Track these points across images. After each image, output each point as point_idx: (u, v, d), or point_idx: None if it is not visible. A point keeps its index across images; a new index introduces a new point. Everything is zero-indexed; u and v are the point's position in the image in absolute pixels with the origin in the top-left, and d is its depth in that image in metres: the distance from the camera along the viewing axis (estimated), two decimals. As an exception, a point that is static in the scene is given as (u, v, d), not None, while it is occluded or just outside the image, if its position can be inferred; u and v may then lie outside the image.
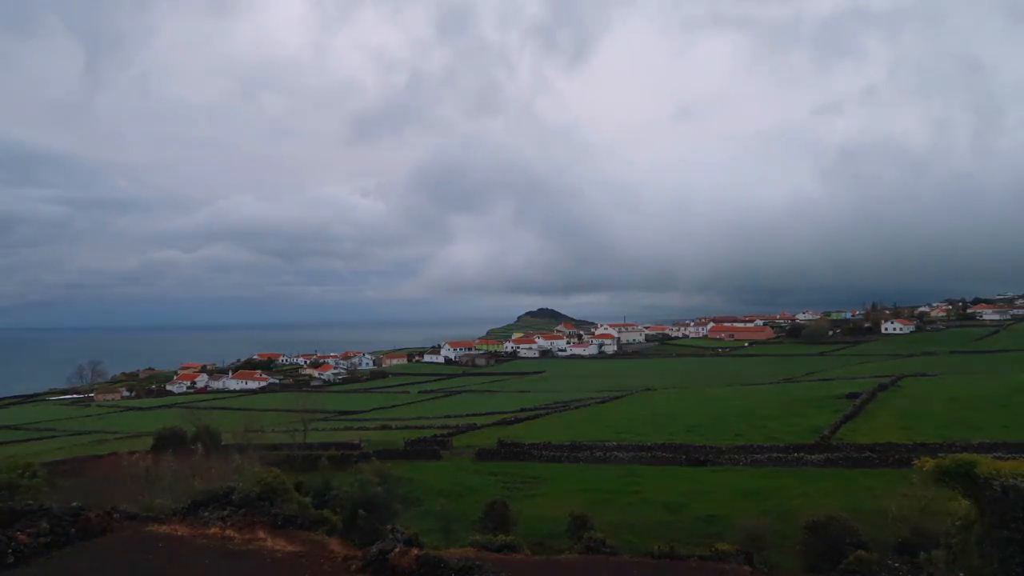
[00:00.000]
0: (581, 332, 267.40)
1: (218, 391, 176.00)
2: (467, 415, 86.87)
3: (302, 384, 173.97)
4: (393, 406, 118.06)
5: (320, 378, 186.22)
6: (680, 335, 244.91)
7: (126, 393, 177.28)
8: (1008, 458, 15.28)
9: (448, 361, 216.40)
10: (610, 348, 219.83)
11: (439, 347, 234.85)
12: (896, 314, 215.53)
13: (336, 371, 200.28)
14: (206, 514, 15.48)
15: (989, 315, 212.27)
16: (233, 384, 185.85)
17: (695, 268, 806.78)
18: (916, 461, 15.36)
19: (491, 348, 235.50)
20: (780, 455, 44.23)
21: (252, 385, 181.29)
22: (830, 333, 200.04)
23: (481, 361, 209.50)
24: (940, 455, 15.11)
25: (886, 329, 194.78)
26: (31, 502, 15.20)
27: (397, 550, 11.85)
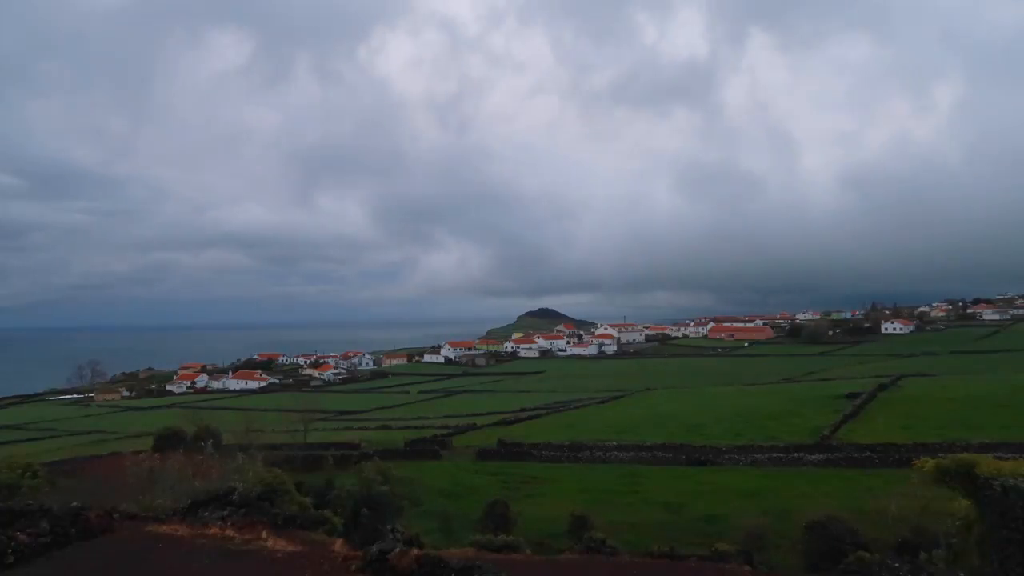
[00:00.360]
0: (581, 332, 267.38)
1: (218, 391, 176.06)
2: (467, 415, 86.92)
3: (302, 384, 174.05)
4: (393, 406, 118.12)
5: (320, 378, 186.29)
6: (680, 335, 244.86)
7: (126, 393, 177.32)
8: (1008, 458, 15.27)
9: (448, 361, 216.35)
10: (610, 348, 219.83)
11: (439, 347, 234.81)
12: (896, 314, 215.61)
13: (336, 371, 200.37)
14: (206, 514, 15.47)
15: (989, 315, 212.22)
16: (233, 384, 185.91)
17: (614, 269, 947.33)
18: (916, 461, 15.35)
19: (491, 348, 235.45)
20: (780, 455, 44.26)
21: (252, 385, 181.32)
22: (830, 333, 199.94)
23: (481, 361, 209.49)
24: (940, 455, 15.09)
25: (886, 329, 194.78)
26: (31, 502, 15.20)
27: (397, 550, 11.85)
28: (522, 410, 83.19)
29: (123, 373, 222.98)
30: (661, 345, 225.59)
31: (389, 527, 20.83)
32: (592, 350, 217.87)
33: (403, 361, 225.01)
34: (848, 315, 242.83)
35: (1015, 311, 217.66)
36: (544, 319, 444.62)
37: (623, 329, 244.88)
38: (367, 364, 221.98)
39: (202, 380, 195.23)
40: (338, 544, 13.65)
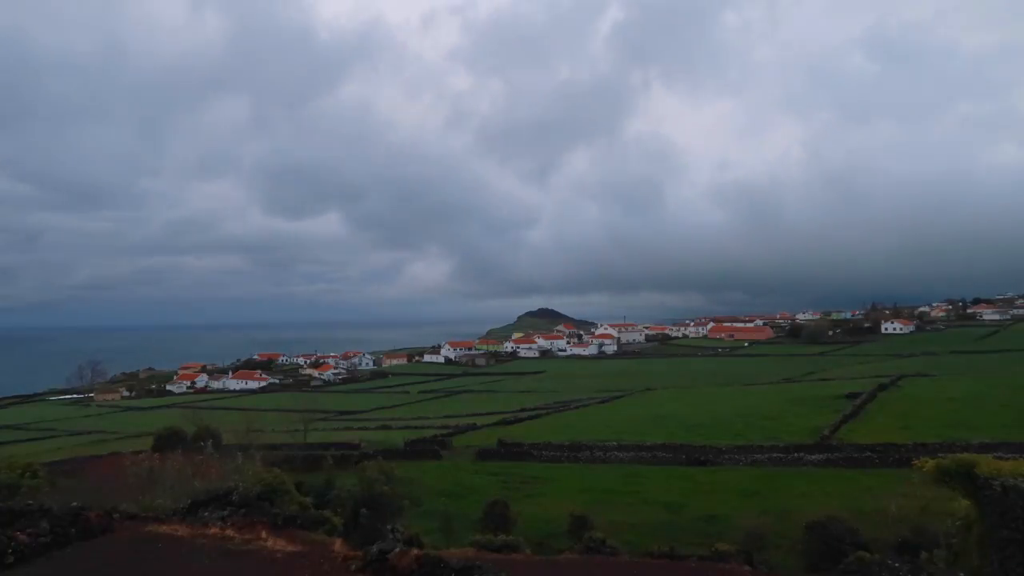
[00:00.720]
0: (581, 332, 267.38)
1: (218, 391, 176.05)
2: (467, 415, 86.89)
3: (302, 384, 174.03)
4: (393, 406, 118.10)
5: (320, 378, 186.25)
6: (680, 335, 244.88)
7: (126, 393, 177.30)
8: (1008, 458, 15.25)
9: (448, 361, 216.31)
10: (610, 348, 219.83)
11: (439, 347, 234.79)
12: (896, 314, 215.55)
13: (336, 371, 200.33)
14: (206, 514, 15.48)
15: (989, 315, 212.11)
16: (233, 384, 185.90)
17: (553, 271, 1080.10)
18: (916, 461, 15.33)
19: (491, 348, 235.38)
20: (780, 455, 44.24)
21: (252, 385, 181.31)
22: (830, 333, 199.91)
23: (481, 361, 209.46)
24: (940, 455, 15.08)
25: (886, 329, 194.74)
26: (31, 502, 15.21)
27: (397, 550, 11.86)
28: (522, 410, 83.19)
29: (123, 373, 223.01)
30: (661, 345, 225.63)
31: (389, 527, 20.84)
32: (592, 350, 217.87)
33: (403, 361, 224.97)
34: (848, 315, 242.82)
35: (1015, 311, 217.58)
36: (544, 319, 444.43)
37: (623, 329, 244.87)
38: (367, 364, 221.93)
39: (202, 380, 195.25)
40: (338, 544, 13.66)
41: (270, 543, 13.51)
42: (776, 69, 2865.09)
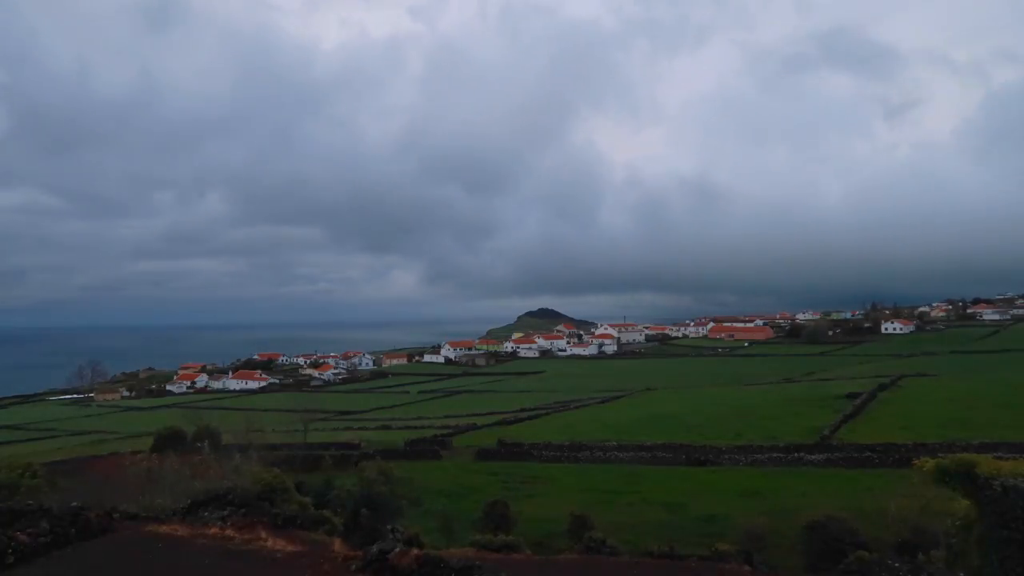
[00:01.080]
0: (581, 332, 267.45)
1: (218, 391, 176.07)
2: (467, 415, 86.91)
3: (302, 384, 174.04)
4: (393, 406, 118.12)
5: (320, 378, 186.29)
6: (680, 335, 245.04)
7: (126, 393, 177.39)
8: (1008, 458, 15.25)
9: (448, 361, 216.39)
10: (610, 348, 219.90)
11: (439, 347, 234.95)
12: (896, 314, 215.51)
13: (336, 371, 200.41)
14: (206, 514, 15.47)
15: (989, 315, 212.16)
16: (233, 384, 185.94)
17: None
18: (916, 461, 15.32)
19: (491, 348, 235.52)
20: (780, 455, 44.25)
21: (252, 385, 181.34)
22: (830, 333, 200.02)
23: (481, 361, 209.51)
24: (940, 455, 15.06)
25: (886, 329, 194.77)
26: (31, 502, 15.19)
27: (397, 550, 11.85)
28: (522, 410, 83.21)
29: (123, 373, 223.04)
30: (661, 345, 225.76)
31: (389, 527, 20.81)
32: (592, 350, 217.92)
33: (403, 361, 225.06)
34: (848, 315, 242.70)
35: (1015, 311, 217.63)
36: (544, 319, 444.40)
37: (623, 329, 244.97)
38: (367, 364, 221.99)
39: (202, 380, 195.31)
40: (338, 544, 13.66)
41: (270, 543, 13.51)
42: (684, 98, 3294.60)
